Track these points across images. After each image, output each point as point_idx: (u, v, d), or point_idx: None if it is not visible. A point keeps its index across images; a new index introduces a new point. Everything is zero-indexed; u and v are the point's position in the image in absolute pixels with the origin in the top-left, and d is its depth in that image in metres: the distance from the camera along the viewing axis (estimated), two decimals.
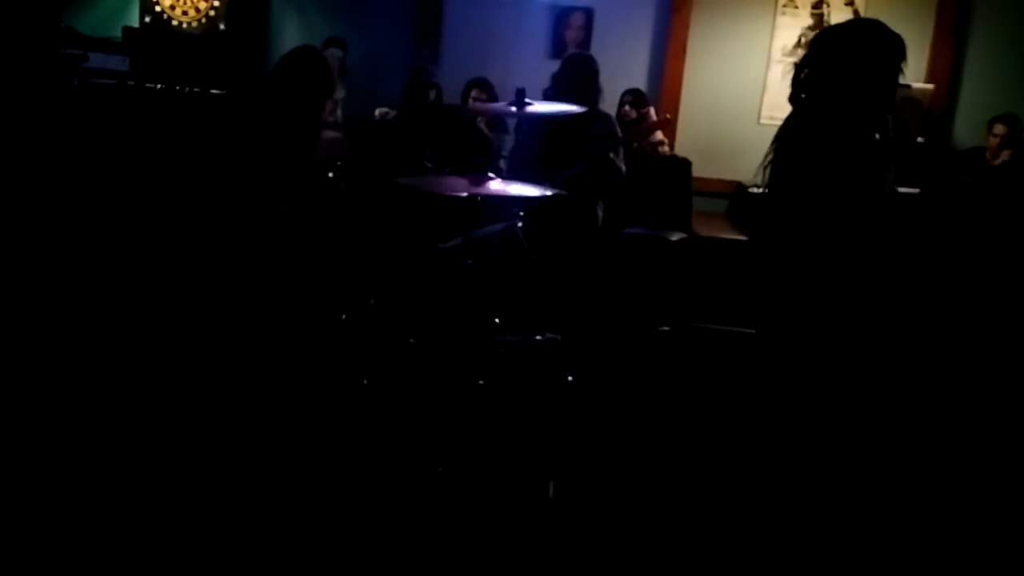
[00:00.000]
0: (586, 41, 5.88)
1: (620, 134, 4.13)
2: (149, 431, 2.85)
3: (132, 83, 4.51)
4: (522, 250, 3.09)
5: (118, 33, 5.25)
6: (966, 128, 5.65)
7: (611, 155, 3.95)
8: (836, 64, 2.36)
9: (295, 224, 3.10)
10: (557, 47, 5.86)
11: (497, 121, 5.16)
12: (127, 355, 3.31)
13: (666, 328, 4.38)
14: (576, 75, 3.99)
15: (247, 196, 3.11)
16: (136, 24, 5.70)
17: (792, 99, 2.45)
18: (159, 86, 4.53)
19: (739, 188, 5.71)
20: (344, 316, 2.96)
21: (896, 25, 6.20)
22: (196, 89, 4.83)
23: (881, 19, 6.22)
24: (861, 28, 2.50)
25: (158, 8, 5.82)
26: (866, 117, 2.33)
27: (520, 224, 3.12)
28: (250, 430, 2.84)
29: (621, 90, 5.27)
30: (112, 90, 4.46)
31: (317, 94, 3.33)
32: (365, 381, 2.83)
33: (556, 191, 2.94)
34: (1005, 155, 5.07)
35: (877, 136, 2.33)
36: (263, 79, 3.29)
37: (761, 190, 2.52)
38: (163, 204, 4.03)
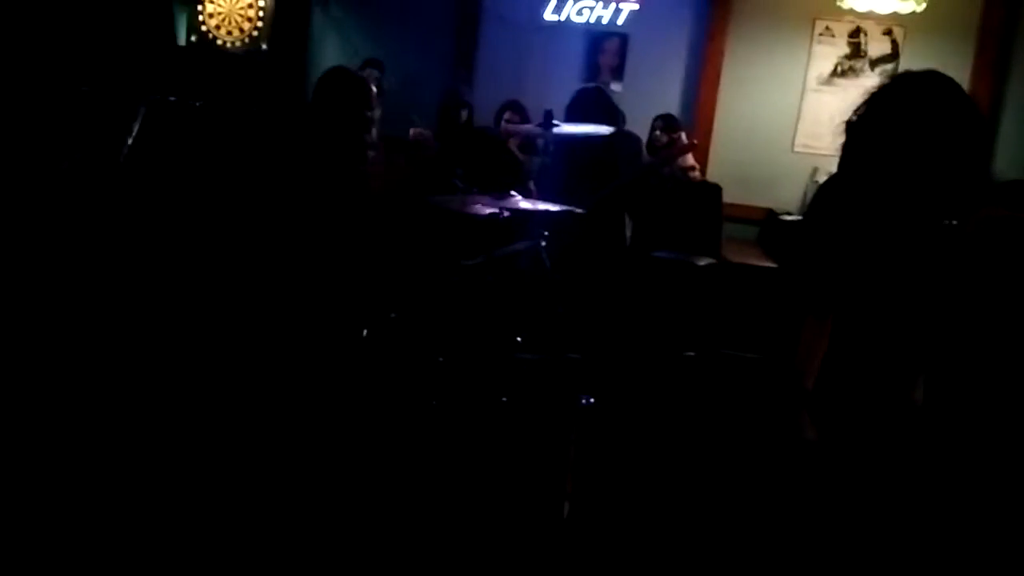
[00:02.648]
0: (620, 67, 5.92)
1: (647, 155, 4.14)
2: (154, 436, 2.90)
3: (173, 98, 4.64)
4: (545, 270, 3.11)
5: None
6: (1006, 162, 5.56)
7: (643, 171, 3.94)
8: (903, 128, 1.89)
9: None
10: (591, 72, 5.91)
11: (530, 144, 5.20)
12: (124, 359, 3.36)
13: (692, 353, 4.34)
14: (586, 108, 4.01)
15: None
16: (182, 42, 5.87)
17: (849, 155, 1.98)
18: (199, 103, 4.66)
19: (771, 215, 5.67)
20: (365, 332, 2.99)
21: (935, 57, 6.14)
22: (239, 107, 4.95)
23: (920, 51, 6.11)
24: (938, 90, 1.95)
25: (203, 28, 5.99)
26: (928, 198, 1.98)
27: (544, 243, 3.14)
28: (264, 442, 2.87)
29: (654, 115, 5.29)
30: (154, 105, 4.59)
31: (356, 109, 3.38)
32: (383, 396, 2.86)
33: (580, 211, 2.96)
34: None
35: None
36: (304, 104, 3.35)
37: (795, 218, 2.34)
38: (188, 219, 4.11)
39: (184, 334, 3.50)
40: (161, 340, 3.47)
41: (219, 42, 5.96)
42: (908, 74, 1.99)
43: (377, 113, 5.23)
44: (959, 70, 5.49)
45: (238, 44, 6.01)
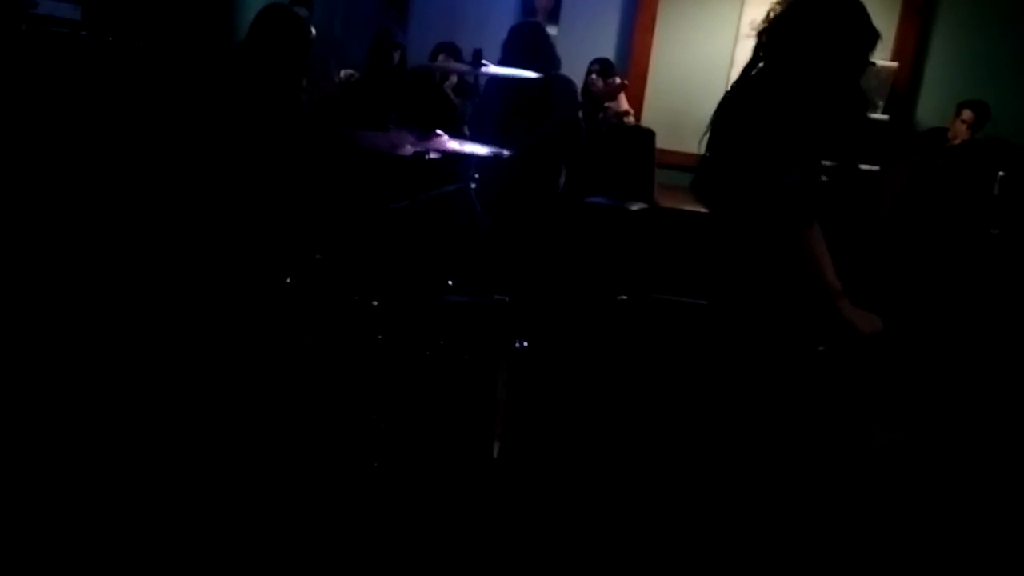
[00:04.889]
0: (556, 9, 5.83)
1: (580, 99, 4.10)
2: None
3: (85, 33, 4.40)
4: (474, 212, 3.07)
5: None
6: (929, 108, 5.70)
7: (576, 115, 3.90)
8: (806, 32, 2.19)
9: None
10: (527, 14, 5.80)
11: (464, 87, 5.11)
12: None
13: (624, 297, 4.39)
14: (522, 45, 3.95)
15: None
16: None
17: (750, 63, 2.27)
18: (112, 38, 4.42)
19: (704, 161, 5.72)
20: (288, 279, 2.93)
21: (864, 2, 6.17)
22: (154, 43, 4.72)
23: None
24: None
25: None
26: (828, 90, 2.18)
27: (473, 185, 3.10)
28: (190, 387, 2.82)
29: (590, 59, 5.24)
30: (63, 39, 4.34)
31: (296, 56, 3.24)
32: (309, 342, 2.81)
33: (507, 153, 2.93)
34: (964, 135, 5.12)
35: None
36: (238, 43, 3.17)
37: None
38: (114, 158, 3.95)
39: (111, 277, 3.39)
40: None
41: None
42: None
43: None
44: (887, 17, 5.56)
45: None
